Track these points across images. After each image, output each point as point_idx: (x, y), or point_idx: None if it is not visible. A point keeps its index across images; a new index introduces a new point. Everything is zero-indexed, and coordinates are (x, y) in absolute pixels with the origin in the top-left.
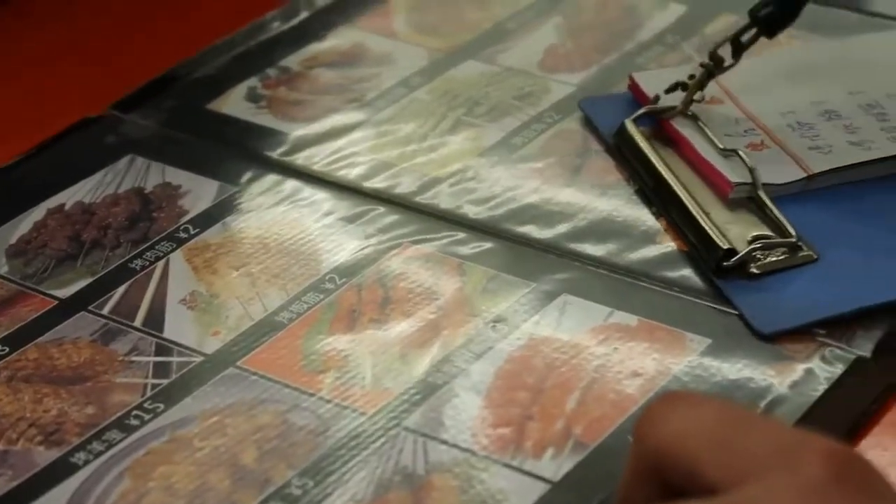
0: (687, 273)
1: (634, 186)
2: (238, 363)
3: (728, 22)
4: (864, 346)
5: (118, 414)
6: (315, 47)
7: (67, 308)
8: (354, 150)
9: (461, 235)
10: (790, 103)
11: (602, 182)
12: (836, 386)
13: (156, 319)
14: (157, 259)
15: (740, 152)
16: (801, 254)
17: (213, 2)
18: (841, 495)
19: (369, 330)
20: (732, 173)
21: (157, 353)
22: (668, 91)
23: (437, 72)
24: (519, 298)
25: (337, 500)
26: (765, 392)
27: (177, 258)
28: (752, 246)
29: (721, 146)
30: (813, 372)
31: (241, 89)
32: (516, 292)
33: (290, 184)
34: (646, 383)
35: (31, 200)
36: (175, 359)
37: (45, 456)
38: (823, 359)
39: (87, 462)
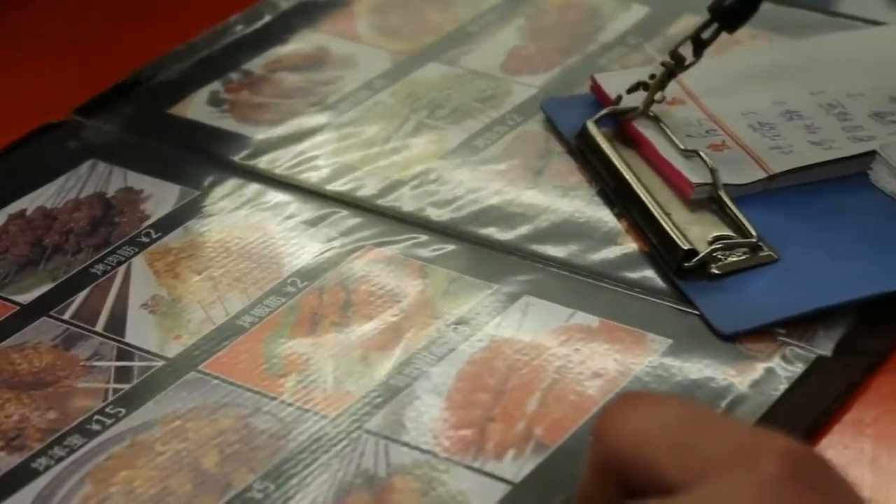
0: (648, 274)
1: (596, 187)
2: (200, 367)
3: (691, 22)
4: (824, 346)
5: (80, 419)
6: (278, 51)
7: (29, 313)
8: (317, 154)
9: (423, 238)
10: (751, 103)
11: (564, 183)
12: (797, 385)
13: (117, 324)
14: (119, 264)
15: (701, 153)
16: (761, 254)
17: (175, 6)
18: (799, 494)
19: (331, 333)
20: (693, 174)
21: (119, 358)
22: (629, 91)
23: (399, 74)
24: (481, 300)
25: None
26: (726, 392)
27: (138, 263)
28: (713, 246)
29: (682, 147)
30: (774, 371)
31: (203, 93)
32: (478, 294)
33: (253, 187)
34: (607, 384)
35: None
36: (136, 363)
37: (6, 461)
38: (784, 358)
39: (48, 467)
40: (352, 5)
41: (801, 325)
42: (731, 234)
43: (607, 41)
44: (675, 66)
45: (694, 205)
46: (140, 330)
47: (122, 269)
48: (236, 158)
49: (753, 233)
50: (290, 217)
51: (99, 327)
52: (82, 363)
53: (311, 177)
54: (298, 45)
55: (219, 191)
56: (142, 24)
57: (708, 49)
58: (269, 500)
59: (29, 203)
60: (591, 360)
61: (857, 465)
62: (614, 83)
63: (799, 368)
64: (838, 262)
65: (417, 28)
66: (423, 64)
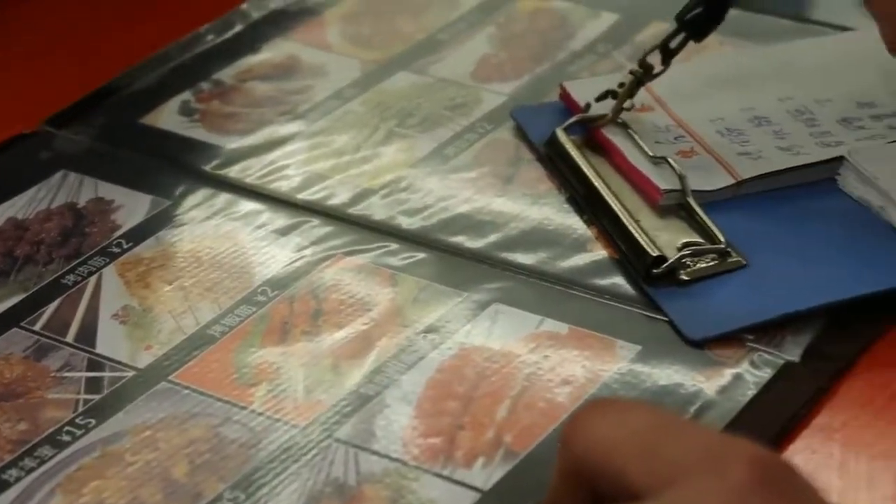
0: (617, 280)
1: (566, 195)
2: (170, 377)
3: (660, 29)
4: (792, 351)
5: (50, 430)
6: (249, 60)
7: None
8: (287, 163)
9: (394, 246)
10: (720, 110)
11: (534, 191)
12: (765, 390)
13: (88, 335)
14: (90, 274)
15: (670, 159)
16: (730, 260)
17: (146, 16)
18: (766, 500)
19: (301, 342)
20: (662, 180)
21: (90, 369)
22: (598, 99)
23: (370, 83)
24: (451, 308)
25: None
26: (694, 397)
27: (109, 273)
28: (682, 253)
29: (651, 153)
30: (742, 377)
31: (174, 103)
32: (448, 302)
33: (224, 197)
34: (576, 391)
35: None
36: (107, 374)
37: None
38: (752, 364)
39: (18, 479)
40: (322, 14)
41: (769, 331)
42: (699, 240)
43: (577, 49)
44: (644, 74)
45: (663, 211)
46: (111, 340)
47: (92, 279)
48: (207, 168)
49: (722, 239)
50: (260, 226)
51: (70, 338)
52: (53, 374)
53: (282, 186)
54: (269, 54)
55: (190, 200)
56: (112, 35)
57: (676, 56)
58: None
59: (0, 214)
60: (561, 367)
61: (826, 470)
62: (583, 91)
63: (767, 374)
64: (807, 267)
65: (388, 37)
66: (394, 73)
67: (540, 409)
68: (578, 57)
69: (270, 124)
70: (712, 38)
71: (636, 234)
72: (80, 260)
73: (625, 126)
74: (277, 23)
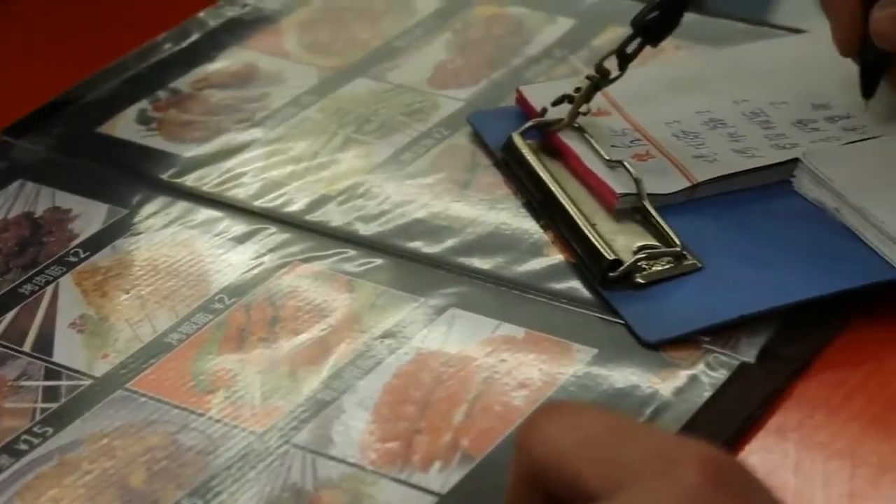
0: (574, 284)
1: (522, 199)
2: (127, 385)
3: (616, 34)
4: (748, 353)
5: (7, 440)
6: (206, 68)
7: None
8: (245, 170)
9: (351, 252)
10: (675, 113)
11: (490, 196)
12: (721, 392)
13: (45, 344)
14: (47, 283)
15: (626, 163)
16: (685, 263)
17: (104, 26)
18: (717, 501)
19: (258, 349)
20: (618, 184)
21: (47, 378)
22: (554, 104)
23: (327, 90)
24: (408, 313)
25: None
26: (650, 399)
27: (66, 282)
28: (638, 256)
29: (607, 157)
30: (698, 378)
31: (131, 112)
32: (405, 307)
33: (181, 205)
34: (532, 394)
35: None
36: (64, 382)
37: None
38: (708, 365)
39: None
40: (279, 22)
41: (724, 333)
42: (655, 243)
43: (533, 54)
44: (601, 79)
45: (619, 215)
46: (68, 349)
47: (50, 288)
48: (164, 176)
49: (678, 242)
50: (218, 234)
51: (27, 347)
52: (10, 383)
53: (240, 193)
54: (226, 62)
55: (147, 209)
56: (69, 45)
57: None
58: None
59: None
60: (517, 371)
61: (781, 470)
62: (540, 95)
63: (723, 375)
64: (762, 269)
65: (345, 44)
66: (351, 79)
67: (496, 413)
68: (535, 62)
69: (228, 132)
70: (668, 43)
71: (592, 238)
72: (37, 269)
73: (581, 130)
74: (234, 31)
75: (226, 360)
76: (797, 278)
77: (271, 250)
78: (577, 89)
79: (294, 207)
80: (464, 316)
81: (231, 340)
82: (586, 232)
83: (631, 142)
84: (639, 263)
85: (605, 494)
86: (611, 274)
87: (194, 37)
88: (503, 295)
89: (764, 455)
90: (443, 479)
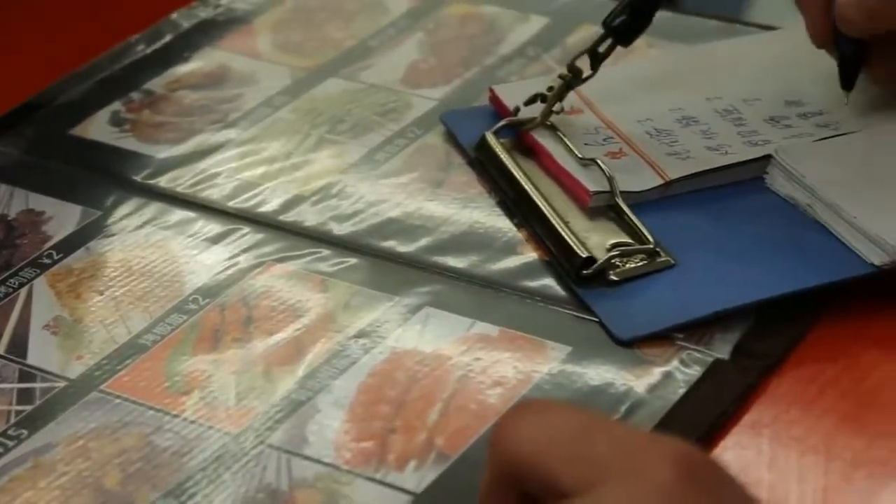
0: (548, 282)
1: (496, 198)
2: (101, 387)
3: (590, 32)
4: (722, 349)
5: None
6: (179, 69)
7: None
8: (218, 171)
9: (325, 252)
10: (648, 111)
11: (464, 195)
12: (695, 388)
13: (19, 346)
14: (21, 286)
15: (599, 161)
16: (659, 260)
17: (76, 27)
18: (690, 497)
19: (233, 349)
20: (591, 182)
21: (21, 380)
22: (527, 103)
23: (300, 90)
24: (382, 313)
25: None
26: (624, 397)
27: (40, 284)
28: (611, 254)
29: (580, 155)
30: (672, 375)
31: (104, 114)
32: (379, 307)
33: (154, 206)
34: (507, 392)
35: None
36: (38, 385)
37: None
38: (682, 362)
39: None
40: (252, 23)
41: (698, 329)
42: (628, 240)
43: (506, 53)
44: (573, 78)
45: (592, 213)
46: (42, 351)
47: (23, 290)
48: (138, 178)
49: (651, 239)
50: (192, 235)
51: (1, 350)
52: None
53: (213, 194)
54: (199, 63)
55: (121, 210)
56: (42, 46)
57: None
58: None
59: None
60: (492, 369)
61: (756, 466)
62: (512, 94)
63: (697, 372)
64: (735, 266)
65: (318, 44)
66: (324, 79)
67: (471, 412)
68: (508, 61)
69: (201, 133)
70: (641, 41)
71: (566, 236)
72: (10, 272)
73: (554, 129)
74: (207, 32)
75: (200, 360)
76: (770, 274)
77: (245, 251)
78: (550, 88)
79: (268, 208)
80: (438, 315)
81: (205, 341)
82: (560, 230)
83: (604, 140)
84: (612, 261)
85: (579, 492)
86: (584, 271)
87: (167, 38)
88: (477, 293)
89: (738, 451)
90: (418, 478)
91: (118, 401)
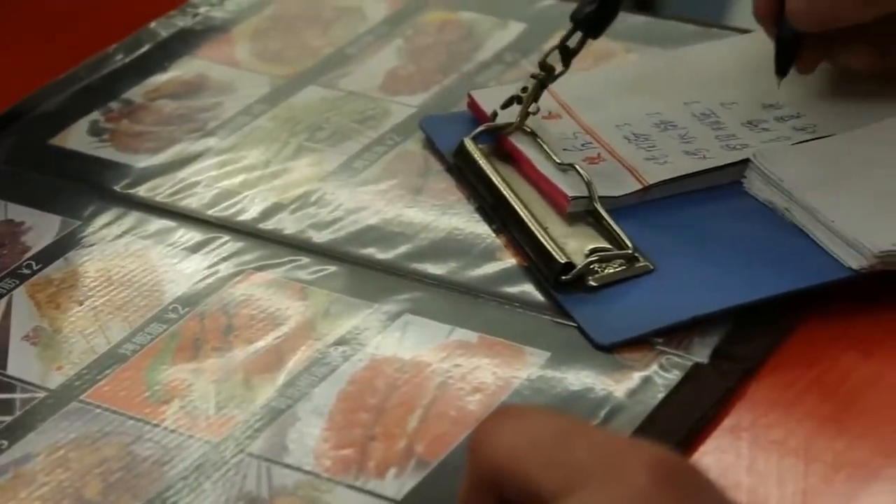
0: (527, 288)
1: (475, 204)
2: (81, 397)
3: None
4: (701, 353)
5: None
6: (158, 79)
7: None
8: (198, 180)
9: (304, 260)
10: (626, 115)
11: (443, 201)
12: (675, 392)
13: None
14: (0, 296)
15: (577, 166)
16: (638, 265)
17: (55, 37)
18: (667, 502)
19: (212, 358)
20: (570, 187)
21: (1, 391)
22: (503, 107)
23: (278, 98)
24: (361, 320)
25: None
26: (604, 402)
27: (20, 295)
28: (590, 259)
29: (558, 161)
30: (651, 380)
31: (83, 123)
32: (359, 314)
33: (134, 216)
34: (487, 398)
35: None
36: (18, 395)
37: None
38: (661, 366)
39: None
40: (230, 31)
41: (677, 334)
42: (607, 246)
43: (485, 59)
44: (546, 76)
45: (571, 218)
46: (22, 362)
47: (3, 301)
48: (117, 187)
49: (629, 244)
50: (171, 244)
51: None
52: None
53: (192, 203)
54: (178, 72)
55: (100, 220)
56: (20, 56)
57: (583, 61)
58: None
59: None
60: (472, 376)
61: (735, 470)
62: (490, 100)
63: (676, 376)
64: (713, 270)
65: (296, 52)
66: (302, 87)
67: (451, 418)
68: (486, 67)
69: (180, 142)
70: (619, 46)
71: (544, 242)
72: None
73: (532, 134)
74: (185, 41)
75: (180, 369)
76: (749, 279)
77: (225, 259)
78: (524, 89)
79: (247, 216)
80: (417, 321)
81: (185, 350)
82: (538, 235)
83: (582, 145)
84: (591, 266)
85: (557, 497)
86: (563, 277)
87: (146, 47)
88: (456, 300)
89: (718, 455)
90: (398, 485)
91: (98, 411)
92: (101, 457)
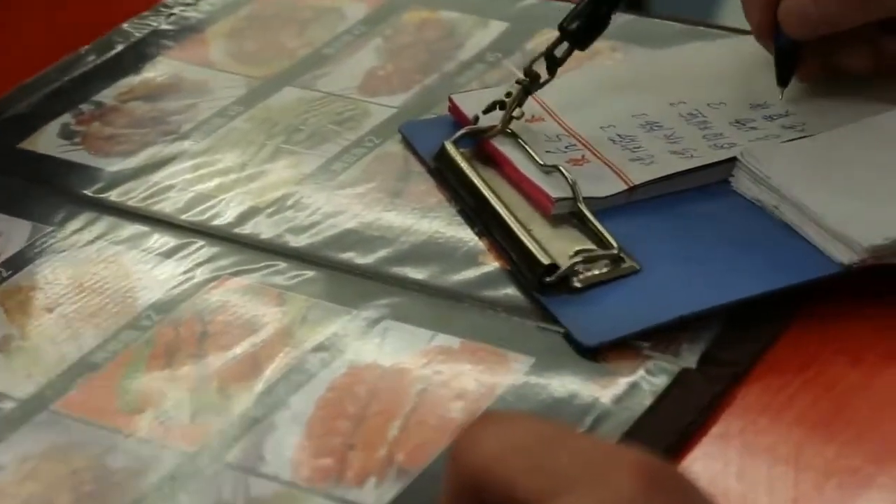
0: (510, 292)
1: (456, 207)
2: (52, 407)
3: (550, 37)
4: (688, 358)
5: None
6: (130, 80)
7: None
8: (172, 183)
9: (282, 265)
10: (611, 116)
11: (423, 204)
12: (662, 398)
13: None
14: None
15: (561, 167)
16: (623, 265)
17: (24, 38)
18: None
19: (187, 366)
20: (554, 189)
21: None
22: (486, 111)
23: (255, 100)
24: (341, 326)
25: None
26: (590, 408)
27: None
28: (574, 260)
29: (542, 162)
30: (638, 385)
31: (54, 126)
32: (337, 320)
33: (106, 220)
34: (469, 406)
35: None
36: None
37: None
38: (648, 372)
39: None
40: (204, 32)
41: (664, 338)
42: (592, 247)
43: (466, 59)
44: (531, 83)
45: (556, 220)
46: None
47: None
48: (89, 191)
49: (614, 244)
50: (144, 249)
51: None
52: None
53: (166, 207)
54: (151, 73)
55: (71, 225)
56: None
57: (567, 61)
58: None
59: None
60: (454, 382)
61: (725, 477)
62: (472, 103)
63: (664, 381)
64: (700, 270)
65: (273, 53)
66: (279, 88)
67: (433, 426)
68: (467, 67)
69: (153, 145)
70: (605, 45)
71: (528, 244)
72: None
73: (515, 136)
74: (159, 41)
75: (154, 378)
76: (737, 277)
77: (200, 264)
78: (508, 94)
79: (222, 220)
80: (398, 327)
81: (159, 358)
82: (522, 237)
83: (566, 147)
84: (575, 267)
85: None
86: (547, 279)
87: (118, 48)
88: (438, 305)
89: (707, 461)
90: (378, 494)
91: (69, 420)
92: (72, 468)
